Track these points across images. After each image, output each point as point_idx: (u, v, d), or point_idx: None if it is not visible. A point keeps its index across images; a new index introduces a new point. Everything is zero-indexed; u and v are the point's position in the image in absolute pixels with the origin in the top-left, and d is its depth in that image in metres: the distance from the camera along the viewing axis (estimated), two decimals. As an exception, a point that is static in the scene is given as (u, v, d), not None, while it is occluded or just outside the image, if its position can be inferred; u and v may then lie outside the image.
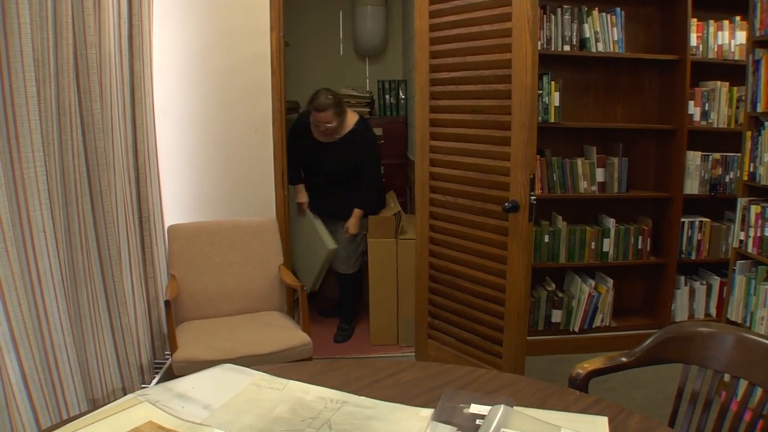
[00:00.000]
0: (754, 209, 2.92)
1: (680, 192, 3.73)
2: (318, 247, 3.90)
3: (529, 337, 2.76)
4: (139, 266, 2.91)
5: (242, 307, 3.14)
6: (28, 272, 1.97)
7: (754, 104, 2.92)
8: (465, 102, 2.82)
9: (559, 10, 3.53)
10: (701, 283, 3.93)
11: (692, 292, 3.93)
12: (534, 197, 2.56)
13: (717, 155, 3.78)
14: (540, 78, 3.39)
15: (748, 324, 2.96)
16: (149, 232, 3.00)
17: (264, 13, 3.38)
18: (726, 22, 3.70)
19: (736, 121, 3.74)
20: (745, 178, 3.01)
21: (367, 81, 5.99)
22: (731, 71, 3.74)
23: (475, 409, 1.22)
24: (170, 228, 3.13)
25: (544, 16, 3.50)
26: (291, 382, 1.37)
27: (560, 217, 3.76)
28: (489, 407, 1.19)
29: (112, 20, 2.57)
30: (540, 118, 3.49)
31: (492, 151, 2.70)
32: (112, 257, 2.54)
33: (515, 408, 1.20)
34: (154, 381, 2.96)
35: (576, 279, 3.83)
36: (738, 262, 3.05)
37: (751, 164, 2.96)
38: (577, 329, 3.80)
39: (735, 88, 3.72)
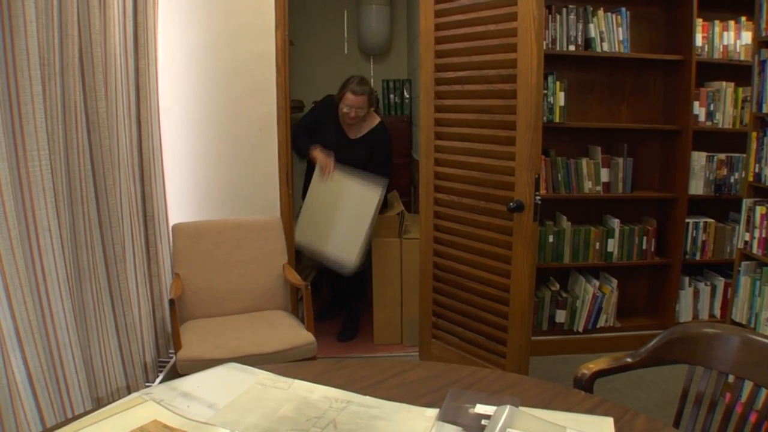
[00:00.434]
0: (759, 210, 2.91)
1: (685, 192, 3.72)
2: (363, 202, 3.63)
3: (533, 337, 2.75)
4: (144, 265, 2.91)
5: (246, 305, 3.15)
6: (34, 271, 1.98)
7: (759, 105, 2.91)
8: (470, 101, 2.82)
9: (564, 9, 3.53)
10: (706, 284, 3.92)
11: (696, 293, 3.92)
12: (539, 197, 2.55)
13: (722, 156, 3.77)
14: (545, 78, 3.39)
15: (752, 325, 2.95)
16: (154, 230, 3.00)
17: (269, 11, 3.38)
18: (731, 23, 3.69)
19: (742, 122, 3.73)
20: (751, 178, 3.00)
21: (372, 80, 5.99)
22: (737, 71, 3.74)
23: (480, 409, 1.21)
24: (174, 227, 3.14)
25: (550, 15, 3.50)
26: (296, 381, 1.37)
27: (565, 217, 3.75)
28: (494, 407, 1.19)
29: (117, 19, 2.57)
30: (545, 118, 3.48)
31: (497, 151, 2.70)
32: (117, 256, 2.54)
33: (521, 408, 1.19)
34: (158, 380, 2.97)
35: (580, 279, 3.83)
36: (743, 263, 3.04)
37: (757, 165, 2.96)
38: (581, 329, 3.79)
39: (740, 89, 3.71)
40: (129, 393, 2.11)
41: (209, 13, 3.38)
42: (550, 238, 3.70)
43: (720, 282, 3.90)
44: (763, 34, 2.90)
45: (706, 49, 3.69)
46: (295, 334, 2.83)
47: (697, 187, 3.76)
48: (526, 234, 2.60)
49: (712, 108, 3.72)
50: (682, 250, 3.79)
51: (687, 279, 3.91)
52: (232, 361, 1.50)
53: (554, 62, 3.54)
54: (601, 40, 3.59)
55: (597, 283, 3.78)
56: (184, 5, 3.33)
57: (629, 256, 3.81)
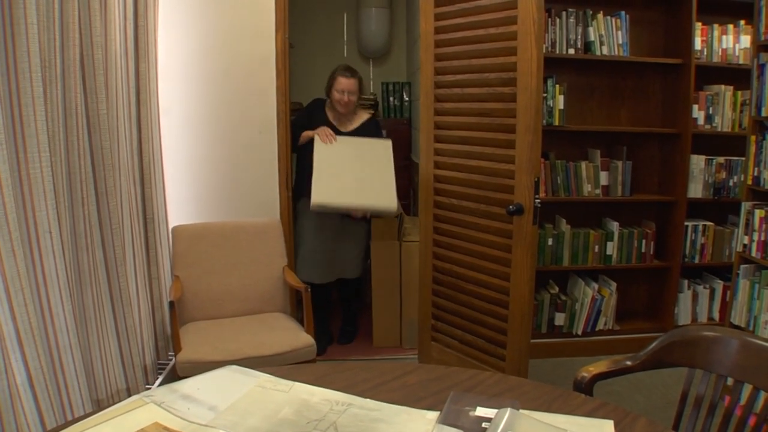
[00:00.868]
0: (758, 213, 2.92)
1: (684, 196, 3.73)
2: (379, 151, 3.48)
3: (532, 340, 2.76)
4: (144, 267, 2.91)
5: (246, 308, 3.15)
6: (34, 273, 1.98)
7: (758, 108, 2.92)
8: (470, 105, 2.82)
9: (564, 13, 3.54)
10: (704, 287, 3.92)
11: (695, 296, 3.93)
12: (538, 200, 2.56)
13: (721, 159, 3.78)
14: (545, 81, 3.40)
15: (751, 328, 2.95)
16: (154, 233, 3.00)
17: (269, 14, 3.39)
18: (731, 26, 3.71)
19: (741, 125, 3.74)
20: (749, 182, 3.00)
21: (371, 83, 6.00)
22: (736, 75, 3.75)
23: (481, 412, 1.22)
24: (174, 229, 3.14)
25: (549, 19, 3.51)
26: (296, 384, 1.38)
27: (564, 221, 3.76)
28: (495, 410, 1.19)
29: (118, 21, 2.57)
30: (544, 121, 3.48)
31: (497, 154, 2.70)
32: (117, 258, 2.54)
33: (521, 411, 1.20)
34: (158, 382, 2.96)
35: (579, 282, 3.83)
36: (741, 266, 3.05)
37: (756, 168, 2.96)
38: (580, 332, 3.80)
39: (739, 92, 3.72)
40: (129, 395, 2.11)
41: (209, 15, 3.38)
42: (550, 241, 3.70)
43: (719, 285, 3.91)
44: (762, 38, 2.91)
45: (705, 53, 3.70)
46: (294, 336, 2.83)
47: (696, 190, 3.77)
48: (526, 237, 2.60)
49: (711, 111, 3.73)
50: (681, 253, 3.80)
51: (686, 282, 3.91)
52: (231, 363, 1.50)
53: (554, 66, 3.54)
54: (601, 43, 3.60)
55: (596, 286, 3.79)
56: (184, 8, 3.34)
57: (628, 259, 3.81)
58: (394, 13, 5.84)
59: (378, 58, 5.99)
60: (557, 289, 3.86)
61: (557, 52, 3.56)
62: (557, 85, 3.55)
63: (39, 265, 1.99)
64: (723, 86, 3.73)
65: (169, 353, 3.15)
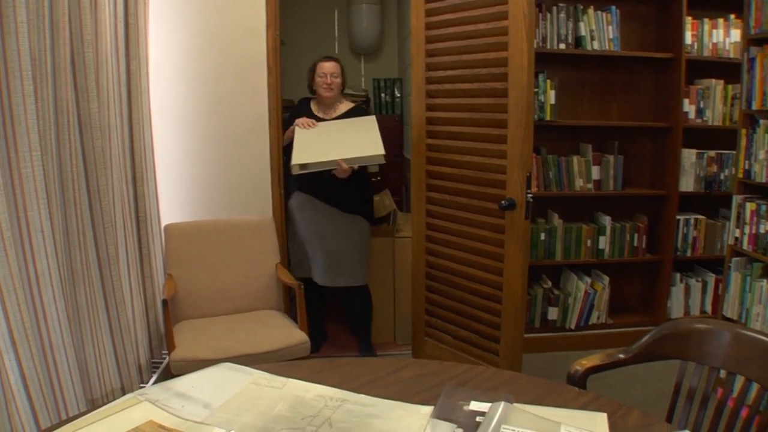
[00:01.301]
0: (749, 206, 2.93)
1: (676, 189, 3.75)
2: (363, 120, 3.41)
3: (525, 335, 2.77)
4: (137, 265, 2.91)
5: (239, 306, 3.14)
6: (27, 272, 1.97)
7: (749, 102, 2.93)
8: (461, 100, 2.83)
9: (554, 8, 3.54)
10: (697, 280, 3.95)
11: (688, 289, 3.95)
12: (530, 195, 2.56)
13: (712, 153, 3.79)
14: (536, 76, 3.40)
15: (743, 320, 2.97)
16: (146, 231, 3.00)
17: (260, 11, 3.38)
18: (721, 21, 3.72)
19: (731, 119, 3.75)
20: (741, 175, 3.02)
21: (363, 79, 5.99)
22: (726, 69, 3.76)
23: (475, 406, 1.22)
24: (167, 227, 3.13)
25: (540, 14, 3.51)
26: (291, 380, 1.38)
27: (556, 215, 3.77)
28: (489, 404, 1.20)
29: (108, 20, 2.56)
30: (536, 116, 3.49)
31: (488, 149, 2.71)
32: (110, 257, 2.53)
33: (515, 405, 1.20)
34: (152, 380, 2.96)
35: (572, 276, 3.84)
36: (733, 259, 3.07)
37: (746, 162, 2.98)
38: (573, 326, 3.81)
39: (730, 86, 3.74)
40: (123, 394, 2.11)
41: (200, 13, 3.37)
42: (542, 236, 3.71)
43: (711, 278, 3.93)
44: (752, 31, 2.92)
45: (695, 47, 3.71)
46: (288, 333, 2.83)
47: (687, 184, 3.79)
48: (518, 232, 2.61)
49: (702, 105, 3.74)
50: (673, 246, 3.82)
51: (678, 275, 3.93)
52: (225, 361, 1.50)
53: (545, 60, 3.55)
54: (592, 38, 3.60)
55: (589, 280, 3.80)
56: (174, 6, 3.32)
57: (621, 253, 3.83)
58: (385, 10, 5.83)
59: (369, 54, 5.98)
60: (550, 283, 3.88)
61: (548, 47, 3.56)
62: (548, 80, 3.55)
63: (31, 264, 1.99)
64: (713, 80, 3.75)
65: (163, 351, 3.15)
